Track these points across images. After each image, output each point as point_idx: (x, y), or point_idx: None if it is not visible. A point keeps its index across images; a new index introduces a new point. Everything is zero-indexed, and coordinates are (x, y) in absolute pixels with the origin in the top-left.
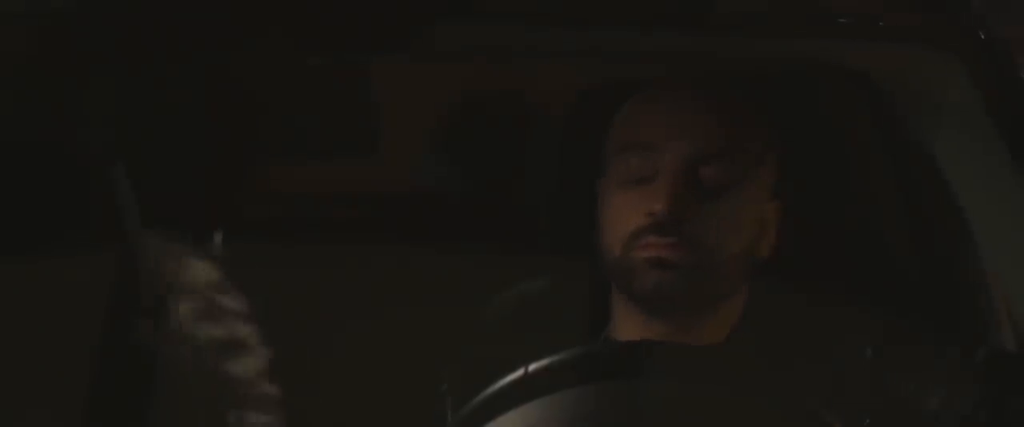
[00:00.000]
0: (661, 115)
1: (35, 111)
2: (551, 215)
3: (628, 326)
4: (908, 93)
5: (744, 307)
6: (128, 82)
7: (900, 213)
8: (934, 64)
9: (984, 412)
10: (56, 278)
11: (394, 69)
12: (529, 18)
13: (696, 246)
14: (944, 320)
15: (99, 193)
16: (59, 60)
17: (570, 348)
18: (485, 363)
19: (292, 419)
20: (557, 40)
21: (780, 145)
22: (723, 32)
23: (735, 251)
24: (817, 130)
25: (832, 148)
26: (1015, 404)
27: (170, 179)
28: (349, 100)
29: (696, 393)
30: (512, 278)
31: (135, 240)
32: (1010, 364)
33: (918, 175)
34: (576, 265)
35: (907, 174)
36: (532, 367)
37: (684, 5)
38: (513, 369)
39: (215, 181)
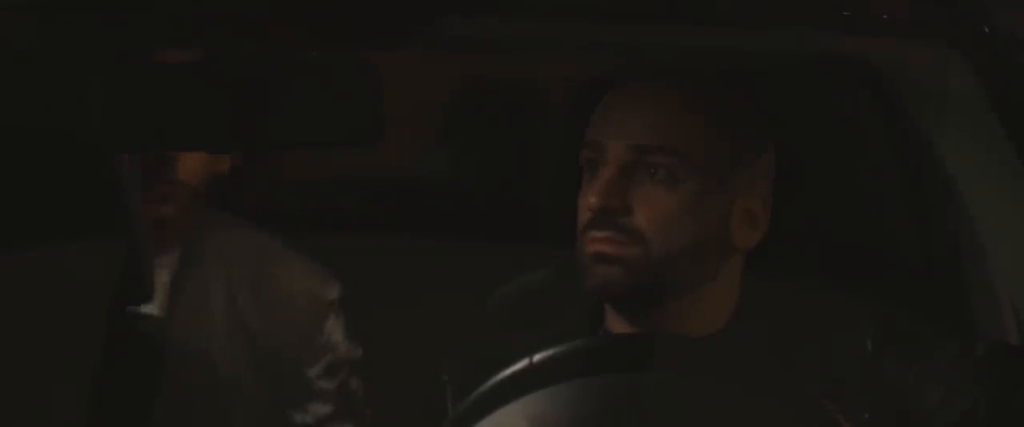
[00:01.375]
0: (610, 113)
1: (37, 101)
2: (553, 207)
3: (617, 321)
4: (911, 86)
5: (739, 298)
6: (131, 72)
7: (902, 207)
8: (937, 58)
9: (984, 407)
10: (60, 270)
11: (399, 61)
12: (533, 12)
13: (636, 239)
14: (946, 314)
15: (104, 185)
16: (62, 50)
17: (573, 340)
18: (487, 354)
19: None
20: (561, 34)
21: (769, 145)
22: (725, 26)
23: (685, 243)
24: (819, 123)
25: (834, 141)
26: (1015, 399)
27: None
28: (353, 92)
29: (698, 385)
30: (514, 270)
31: (139, 232)
32: (1010, 359)
33: (920, 168)
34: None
35: (909, 167)
36: (536, 358)
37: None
38: (514, 361)
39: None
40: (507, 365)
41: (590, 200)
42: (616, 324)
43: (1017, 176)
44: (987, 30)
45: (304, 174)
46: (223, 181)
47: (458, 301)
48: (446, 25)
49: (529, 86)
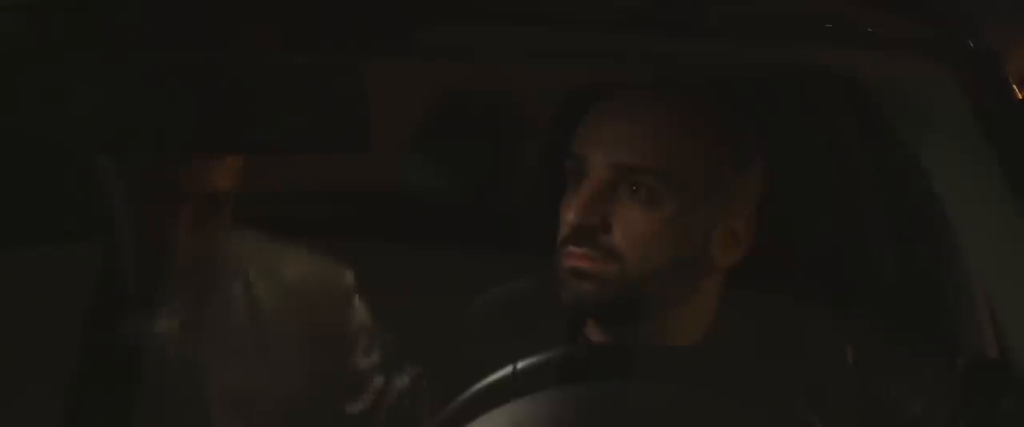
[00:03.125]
0: (596, 127)
1: (19, 101)
2: (535, 215)
3: (595, 331)
4: (895, 101)
5: (717, 310)
6: (114, 75)
7: (885, 219)
8: (922, 72)
9: (965, 420)
10: (40, 271)
11: (383, 68)
12: (517, 19)
13: (612, 257)
14: (928, 326)
15: (85, 186)
16: (44, 50)
17: (553, 348)
18: (467, 361)
19: (278, 415)
20: (545, 41)
21: (757, 161)
22: (710, 36)
23: (663, 263)
24: (803, 136)
25: (818, 154)
26: (994, 413)
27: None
28: (340, 98)
29: (678, 393)
30: (496, 278)
31: (121, 233)
32: (989, 373)
33: (904, 182)
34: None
35: (893, 181)
36: (518, 366)
37: (671, 9)
38: (495, 367)
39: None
40: (488, 372)
41: (568, 216)
42: (595, 333)
43: (1001, 191)
44: (972, 45)
45: (287, 181)
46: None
47: (440, 308)
48: (432, 33)
49: (513, 95)
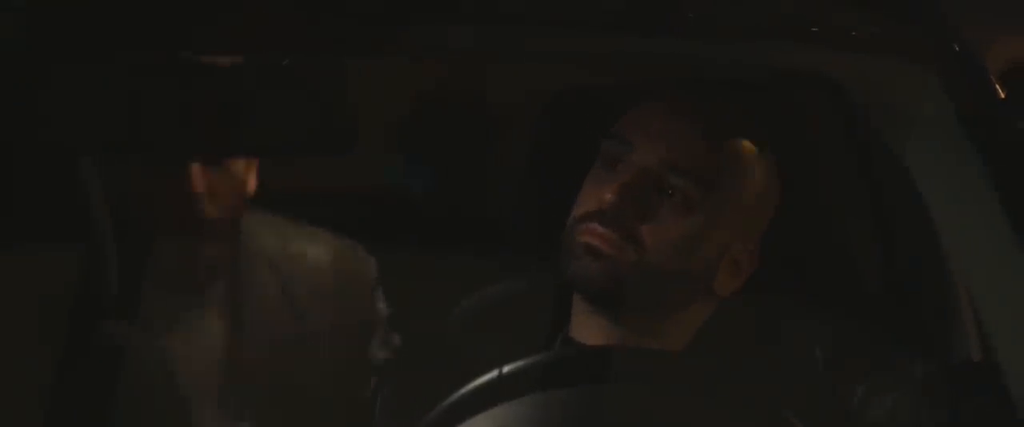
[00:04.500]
0: (650, 119)
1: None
2: (520, 217)
3: (584, 326)
4: (878, 103)
5: (707, 316)
6: (98, 77)
7: (868, 223)
8: (907, 76)
9: (946, 423)
10: (20, 275)
11: (369, 68)
12: (503, 20)
13: (634, 247)
14: (911, 328)
15: (67, 189)
16: (27, 53)
17: (541, 352)
18: (450, 364)
19: (258, 416)
20: (531, 43)
21: (775, 196)
22: (692, 38)
23: (678, 269)
24: (787, 139)
25: (798, 156)
26: (961, 416)
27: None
28: (325, 100)
29: (661, 396)
30: (482, 279)
31: (102, 237)
32: (959, 378)
33: (887, 185)
34: (544, 267)
35: (876, 182)
36: (504, 370)
37: (654, 10)
38: (478, 370)
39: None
40: (471, 374)
41: (606, 195)
42: (579, 331)
43: (984, 191)
44: (956, 47)
45: (272, 183)
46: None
47: (427, 310)
48: (417, 33)
49: (498, 96)
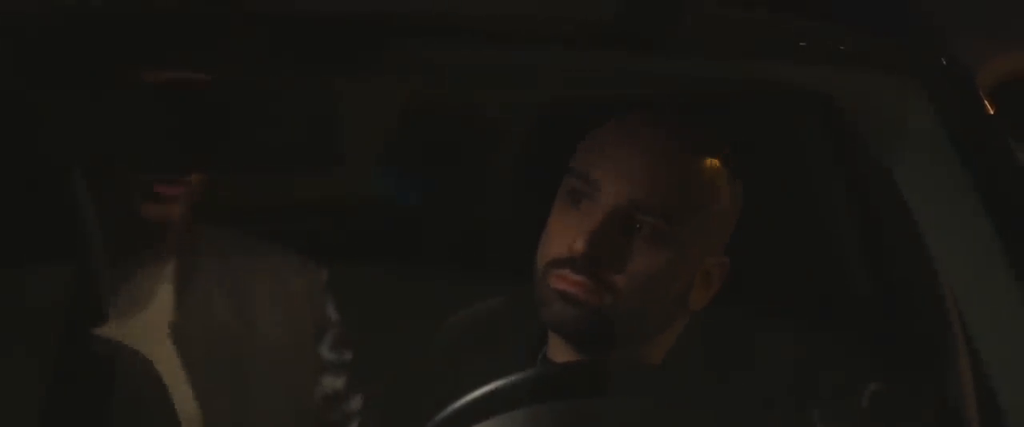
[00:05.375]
0: (613, 153)
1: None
2: (506, 234)
3: (559, 347)
4: (867, 117)
5: (679, 335)
6: (90, 93)
7: (857, 236)
8: (894, 89)
9: None
10: (11, 290)
11: (358, 86)
12: (491, 38)
13: (608, 290)
14: (899, 341)
15: (58, 203)
16: (19, 69)
17: (519, 366)
18: (434, 380)
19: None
20: (518, 60)
21: (737, 201)
22: (683, 55)
23: (653, 301)
24: (775, 154)
25: (787, 171)
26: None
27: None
28: (312, 117)
29: (642, 409)
30: (467, 296)
31: (94, 252)
32: (896, 406)
33: (876, 198)
34: (528, 284)
35: (865, 196)
36: (486, 389)
37: (644, 27)
38: (462, 386)
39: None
40: (455, 390)
41: (577, 244)
42: (558, 352)
43: (972, 204)
44: (944, 61)
45: (261, 199)
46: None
47: (412, 325)
48: (402, 51)
49: (486, 112)
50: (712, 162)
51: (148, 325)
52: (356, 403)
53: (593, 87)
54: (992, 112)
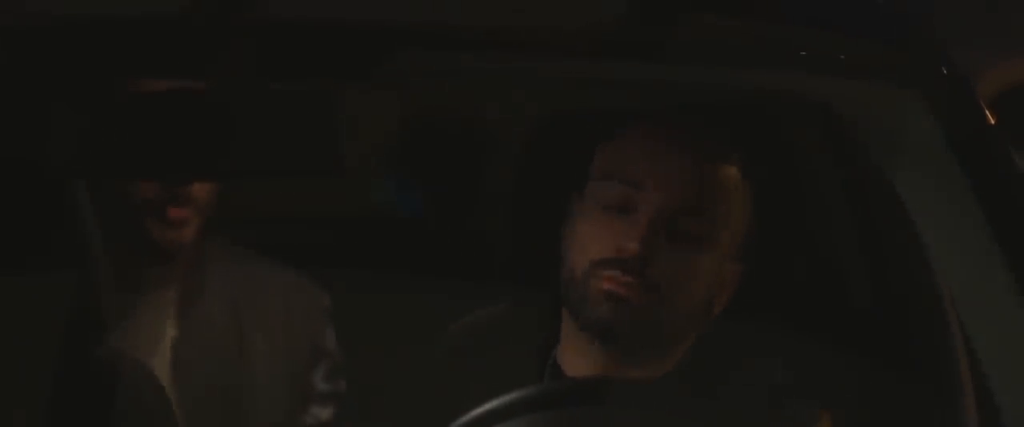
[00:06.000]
0: (655, 155)
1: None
2: (508, 240)
3: (574, 352)
4: (867, 126)
5: (690, 346)
6: (92, 100)
7: (857, 245)
8: (894, 98)
9: None
10: (13, 297)
11: (358, 94)
12: (491, 46)
13: (654, 290)
14: (898, 351)
15: (60, 211)
16: (21, 74)
17: (529, 378)
18: (440, 387)
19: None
20: (518, 68)
21: (752, 207)
22: (681, 63)
23: (689, 304)
24: (774, 163)
25: (787, 180)
26: None
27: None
28: (313, 124)
29: (648, 422)
30: (469, 303)
31: (95, 259)
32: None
33: (876, 208)
34: (531, 291)
35: (865, 206)
36: (490, 404)
37: (643, 35)
38: (467, 394)
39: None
40: (459, 399)
41: (629, 246)
42: (567, 358)
43: (973, 215)
44: (945, 70)
45: (262, 207)
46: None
47: (414, 334)
48: (404, 58)
49: (487, 120)
50: (735, 165)
51: (149, 338)
52: None
53: (592, 95)
54: (993, 121)
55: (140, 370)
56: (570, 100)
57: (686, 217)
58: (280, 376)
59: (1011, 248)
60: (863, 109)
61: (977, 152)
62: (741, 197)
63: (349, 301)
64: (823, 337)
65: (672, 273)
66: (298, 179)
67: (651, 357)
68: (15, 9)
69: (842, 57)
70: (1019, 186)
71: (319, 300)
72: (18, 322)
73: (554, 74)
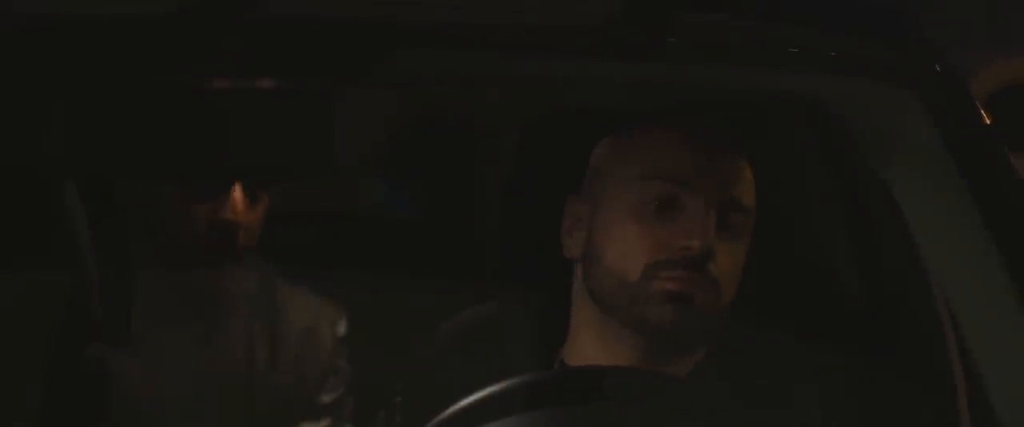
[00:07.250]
0: (695, 151)
1: None
2: (502, 239)
3: (593, 349)
4: (861, 126)
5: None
6: (84, 102)
7: (850, 245)
8: (888, 97)
9: None
10: (9, 298)
11: (355, 94)
12: (485, 45)
13: (715, 286)
14: (893, 352)
15: (52, 213)
16: (15, 74)
17: (522, 368)
18: (437, 383)
19: None
20: (512, 67)
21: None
22: (675, 62)
23: (731, 299)
24: (767, 162)
25: (781, 180)
26: None
27: (125, 201)
28: (305, 123)
29: (662, 420)
30: (464, 300)
31: (87, 261)
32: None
33: (870, 207)
34: (526, 288)
35: (859, 206)
36: (489, 390)
37: (636, 34)
38: (464, 389)
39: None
40: (457, 393)
41: (692, 243)
42: (582, 357)
43: (969, 215)
44: (940, 69)
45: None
46: None
47: (410, 331)
48: (399, 58)
49: (483, 119)
50: (748, 157)
51: (164, 341)
52: None
53: (586, 95)
54: (988, 121)
55: (134, 371)
56: (565, 100)
57: (733, 210)
58: (284, 387)
59: (1007, 248)
60: (859, 108)
61: (973, 152)
62: (753, 192)
63: (345, 301)
64: (817, 337)
65: (726, 267)
66: (295, 179)
67: (682, 353)
68: (16, 9)
69: (838, 56)
70: (1015, 186)
71: (338, 328)
72: (13, 323)
73: (549, 74)
